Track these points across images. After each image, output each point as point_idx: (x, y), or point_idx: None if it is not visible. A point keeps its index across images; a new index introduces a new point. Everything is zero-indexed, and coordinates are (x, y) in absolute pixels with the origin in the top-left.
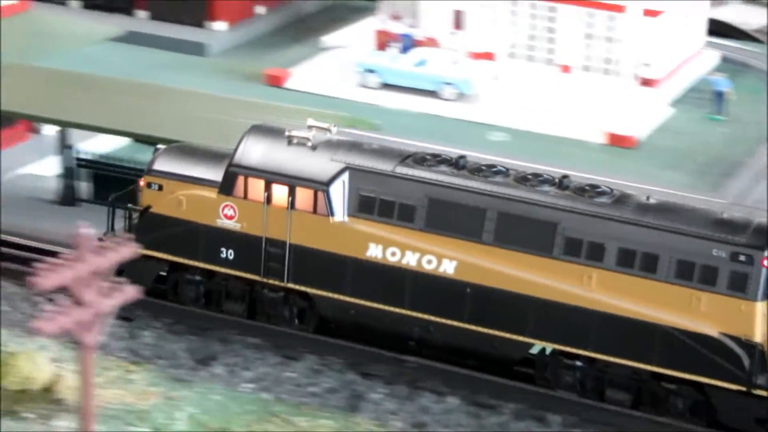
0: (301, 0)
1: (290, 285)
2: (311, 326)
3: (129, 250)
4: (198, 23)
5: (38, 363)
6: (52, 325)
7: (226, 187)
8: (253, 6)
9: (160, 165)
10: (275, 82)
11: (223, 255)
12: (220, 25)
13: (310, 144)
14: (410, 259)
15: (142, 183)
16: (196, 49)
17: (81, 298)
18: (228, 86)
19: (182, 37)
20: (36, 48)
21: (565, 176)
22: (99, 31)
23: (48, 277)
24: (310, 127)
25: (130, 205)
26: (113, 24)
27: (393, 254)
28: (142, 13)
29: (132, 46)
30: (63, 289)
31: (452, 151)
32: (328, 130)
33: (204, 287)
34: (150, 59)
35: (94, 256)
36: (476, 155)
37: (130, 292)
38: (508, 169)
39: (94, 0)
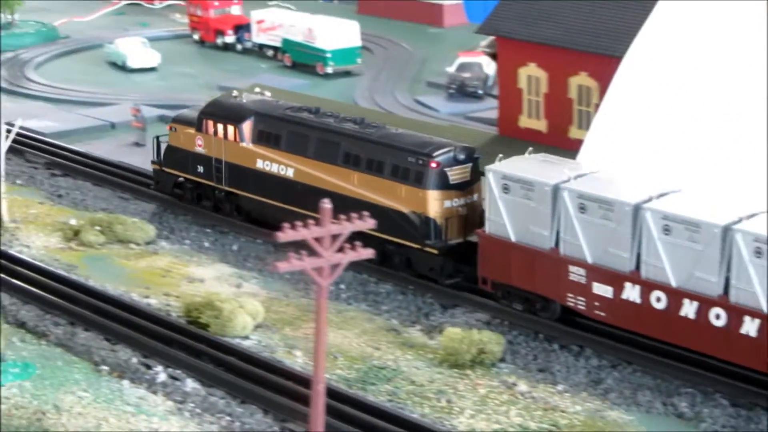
0: None
1: (226, 188)
2: (243, 215)
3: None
4: None
5: None
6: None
7: (198, 126)
8: None
9: (178, 117)
10: None
11: (199, 170)
12: None
13: (242, 100)
14: (274, 168)
15: (168, 127)
16: None
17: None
18: None
19: None
20: None
21: (363, 118)
22: None
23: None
24: (256, 92)
25: (159, 139)
26: None
27: (267, 165)
28: None
29: None
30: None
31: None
32: (263, 93)
33: (195, 191)
34: None
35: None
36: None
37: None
38: (339, 114)
39: None
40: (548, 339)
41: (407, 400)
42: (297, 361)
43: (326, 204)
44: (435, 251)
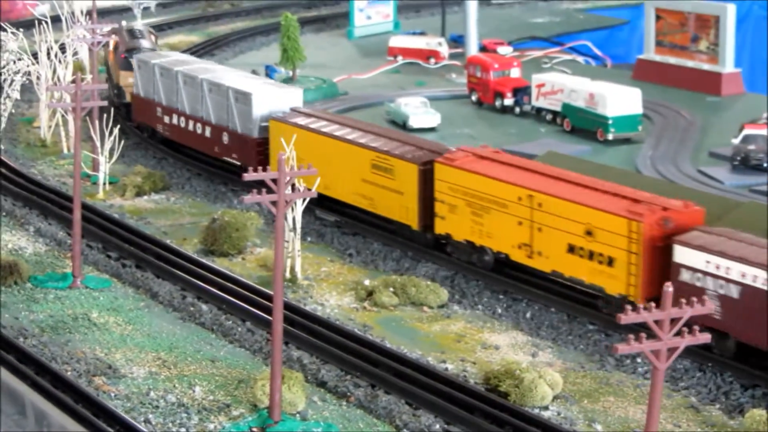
0: None
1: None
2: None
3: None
4: None
5: None
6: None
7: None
8: None
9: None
10: None
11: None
12: None
13: (127, 38)
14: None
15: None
16: None
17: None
18: None
19: None
20: None
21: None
22: None
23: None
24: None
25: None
26: None
27: (123, 79)
28: None
29: None
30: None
31: None
32: (144, 33)
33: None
34: None
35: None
36: None
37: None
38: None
39: None
40: None
41: None
42: None
43: (668, 288)
44: (117, 104)
